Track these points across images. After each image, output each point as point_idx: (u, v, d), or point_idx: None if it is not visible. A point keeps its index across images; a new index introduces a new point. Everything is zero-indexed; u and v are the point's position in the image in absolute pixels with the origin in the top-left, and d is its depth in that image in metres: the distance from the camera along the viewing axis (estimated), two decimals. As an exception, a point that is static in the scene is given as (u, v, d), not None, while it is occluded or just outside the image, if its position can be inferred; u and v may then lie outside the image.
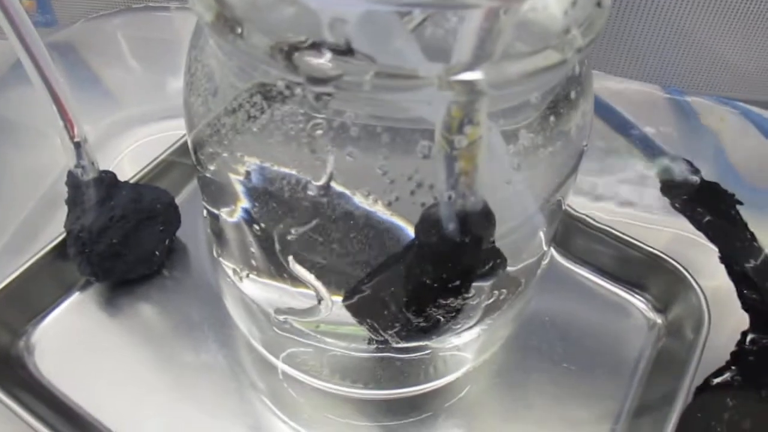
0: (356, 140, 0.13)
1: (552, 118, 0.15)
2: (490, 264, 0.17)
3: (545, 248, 0.19)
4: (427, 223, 0.16)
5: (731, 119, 0.27)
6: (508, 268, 0.18)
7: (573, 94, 0.15)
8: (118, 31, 0.28)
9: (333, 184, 0.14)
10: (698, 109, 0.27)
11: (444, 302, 0.17)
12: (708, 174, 0.25)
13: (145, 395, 0.21)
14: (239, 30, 0.12)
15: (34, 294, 0.22)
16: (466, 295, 0.17)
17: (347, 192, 0.14)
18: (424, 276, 0.16)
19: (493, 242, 0.17)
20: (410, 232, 0.16)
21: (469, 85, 0.12)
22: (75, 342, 0.22)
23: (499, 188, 0.15)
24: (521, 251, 0.18)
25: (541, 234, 0.18)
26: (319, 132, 0.13)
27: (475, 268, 0.17)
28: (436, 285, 0.17)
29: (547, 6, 0.13)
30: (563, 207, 0.19)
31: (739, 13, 0.27)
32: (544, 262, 0.20)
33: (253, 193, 0.15)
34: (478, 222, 0.16)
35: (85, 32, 0.27)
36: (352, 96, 0.12)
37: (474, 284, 0.17)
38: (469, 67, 0.12)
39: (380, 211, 0.14)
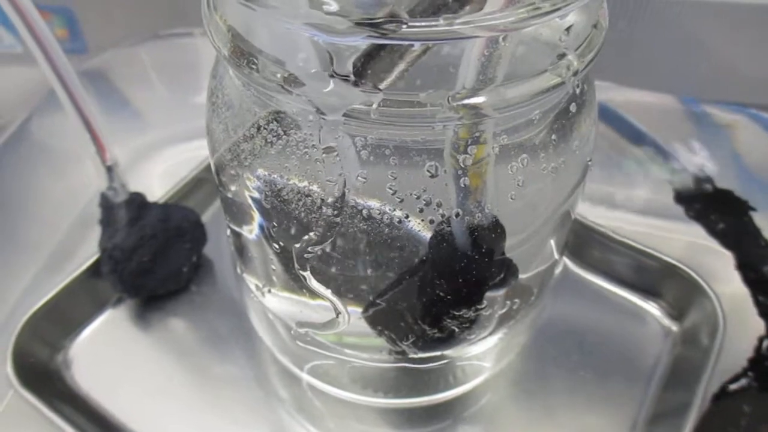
0: (366, 162, 0.14)
1: (554, 135, 0.15)
2: (502, 275, 0.18)
3: (556, 257, 0.20)
4: (439, 238, 0.16)
5: (744, 125, 0.27)
6: (520, 278, 0.18)
7: (574, 110, 0.15)
8: (145, 57, 0.29)
9: (346, 204, 0.15)
10: (712, 116, 0.27)
11: (458, 313, 0.18)
12: (724, 180, 0.25)
13: (174, 405, 0.22)
14: (254, 62, 0.13)
15: (71, 311, 0.23)
16: (478, 306, 0.18)
17: (360, 211, 0.15)
18: (437, 289, 0.17)
19: (504, 254, 0.17)
20: (422, 247, 0.16)
21: (474, 108, 0.13)
22: (109, 355, 0.23)
23: (508, 202, 0.16)
24: (532, 261, 0.19)
25: (552, 243, 0.19)
26: (332, 156, 0.14)
27: (487, 280, 0.17)
28: (449, 297, 0.17)
29: (542, 33, 0.13)
30: (572, 217, 0.19)
31: (747, 22, 0.28)
32: (557, 271, 0.20)
33: (271, 213, 0.16)
34: (488, 236, 0.16)
35: (115, 59, 0.29)
36: (361, 123, 0.13)
37: (487, 295, 0.18)
38: (473, 92, 0.13)
39: (392, 228, 0.15)
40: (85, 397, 0.22)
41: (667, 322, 0.24)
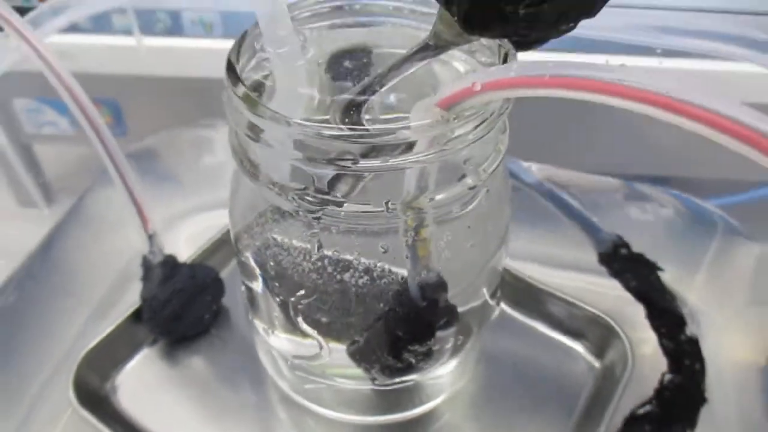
0: (339, 242, 0.20)
1: (470, 221, 0.21)
2: (446, 318, 0.24)
3: (490, 302, 0.26)
4: (399, 292, 0.22)
5: (663, 200, 0.34)
6: (461, 320, 0.24)
7: (485, 201, 0.22)
8: (180, 142, 0.36)
9: (325, 270, 0.21)
10: (635, 193, 0.34)
11: (413, 348, 0.24)
12: (638, 246, 0.31)
13: (195, 423, 0.27)
14: (258, 173, 0.20)
15: (117, 348, 0.29)
16: (429, 343, 0.24)
17: (336, 275, 0.21)
18: (398, 330, 0.23)
19: (447, 301, 0.23)
20: (387, 299, 0.23)
21: (417, 208, 0.19)
22: (146, 384, 0.29)
23: (446, 265, 0.22)
24: (470, 306, 0.25)
25: (485, 291, 0.25)
26: (314, 238, 0.20)
27: (435, 323, 0.23)
28: (407, 336, 0.23)
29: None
30: (499, 271, 0.26)
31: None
32: (494, 315, 0.26)
33: (273, 275, 0.22)
34: (434, 289, 0.23)
35: (156, 143, 0.36)
36: (333, 219, 0.19)
37: (437, 334, 0.24)
38: (415, 197, 0.19)
39: (360, 287, 0.21)
40: (127, 416, 0.27)
41: (590, 359, 0.29)
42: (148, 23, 0.35)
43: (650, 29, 0.22)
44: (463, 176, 0.19)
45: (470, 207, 0.21)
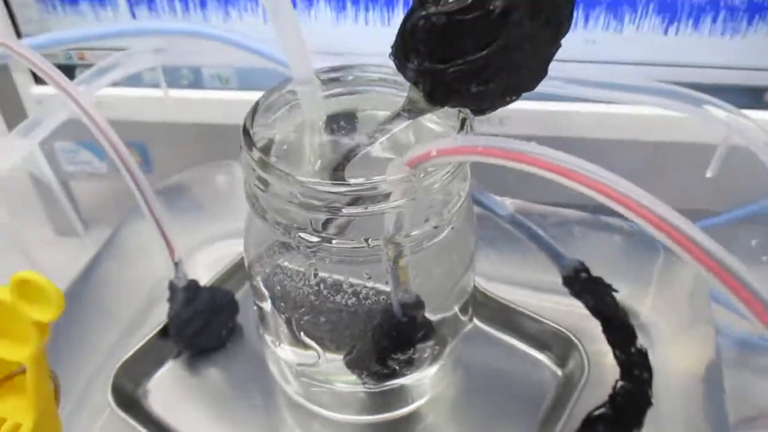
0: (331, 270, 0.25)
1: (438, 254, 0.26)
2: (424, 331, 0.28)
3: (461, 318, 0.31)
4: (384, 310, 0.27)
5: (621, 230, 0.38)
6: (437, 332, 0.29)
7: (451, 237, 0.26)
8: (200, 180, 0.41)
9: (321, 292, 0.26)
10: (598, 223, 0.38)
11: (396, 357, 0.28)
12: (596, 270, 0.35)
13: (214, 425, 0.32)
14: (267, 215, 0.25)
15: (147, 359, 0.34)
16: (409, 352, 0.28)
17: (329, 296, 0.26)
18: (383, 342, 0.28)
19: (425, 317, 0.28)
20: (374, 316, 0.27)
21: (396, 243, 0.24)
22: (172, 390, 0.34)
23: (422, 287, 0.27)
24: (444, 320, 0.29)
25: (456, 309, 0.30)
26: (312, 267, 0.25)
27: (414, 335, 0.28)
28: (391, 347, 0.28)
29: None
30: (468, 291, 0.30)
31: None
32: (467, 328, 0.31)
33: (279, 296, 0.27)
34: (412, 307, 0.27)
35: (179, 181, 0.41)
36: (327, 252, 0.24)
37: (417, 345, 0.29)
38: (394, 235, 0.24)
39: (348, 306, 0.26)
40: (156, 416, 0.32)
41: (553, 368, 0.34)
42: (173, 78, 0.40)
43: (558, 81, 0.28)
44: (427, 219, 0.24)
45: (436, 240, 0.25)
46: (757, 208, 0.32)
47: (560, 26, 0.22)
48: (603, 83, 0.31)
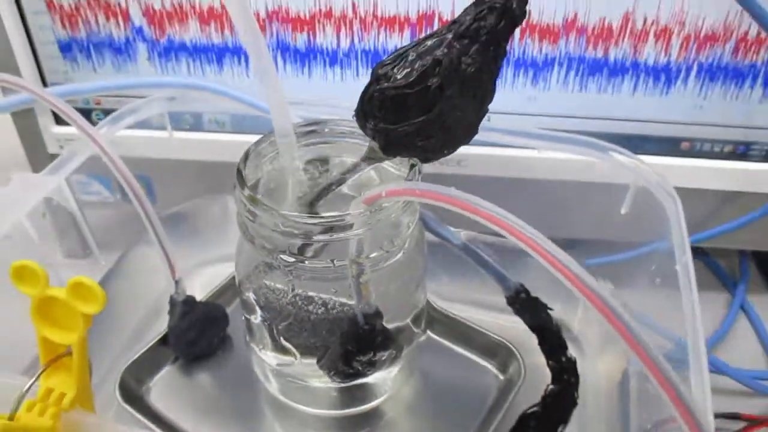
0: (306, 285, 0.31)
1: (390, 275, 0.32)
2: (381, 337, 0.34)
3: (414, 329, 0.36)
4: (349, 319, 0.33)
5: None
6: (394, 339, 0.35)
7: (403, 259, 0.32)
8: (197, 210, 0.48)
9: (297, 303, 0.32)
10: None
11: (359, 359, 0.34)
12: (539, 290, 0.41)
13: (208, 419, 0.38)
14: (254, 240, 0.31)
15: (150, 363, 0.39)
16: (369, 355, 0.34)
17: (304, 307, 0.32)
18: (348, 345, 0.34)
19: (383, 326, 0.34)
20: (338, 325, 0.33)
21: (358, 263, 0.30)
22: (170, 390, 0.39)
23: (380, 300, 0.33)
24: (400, 329, 0.35)
25: (410, 320, 0.36)
26: (290, 283, 0.31)
27: (374, 341, 0.34)
28: (355, 350, 0.34)
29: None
30: (421, 306, 0.36)
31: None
32: (421, 338, 0.37)
33: (263, 307, 0.33)
34: (372, 317, 0.33)
35: (180, 210, 0.47)
36: (302, 271, 0.30)
37: (377, 349, 0.34)
38: (356, 256, 0.30)
39: (319, 315, 0.32)
40: (157, 411, 0.38)
41: (496, 373, 0.40)
42: (177, 121, 0.47)
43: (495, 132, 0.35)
44: (382, 245, 0.31)
45: (391, 261, 0.32)
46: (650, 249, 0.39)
47: (484, 98, 0.28)
48: (530, 133, 0.37)
